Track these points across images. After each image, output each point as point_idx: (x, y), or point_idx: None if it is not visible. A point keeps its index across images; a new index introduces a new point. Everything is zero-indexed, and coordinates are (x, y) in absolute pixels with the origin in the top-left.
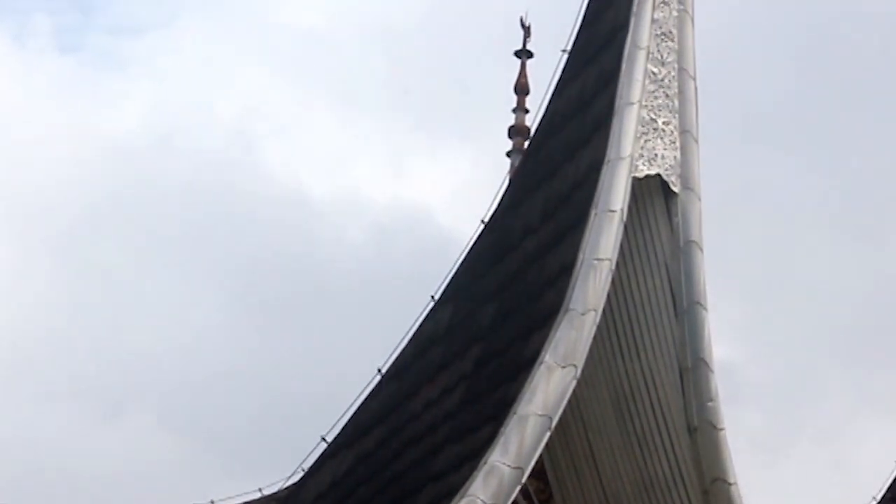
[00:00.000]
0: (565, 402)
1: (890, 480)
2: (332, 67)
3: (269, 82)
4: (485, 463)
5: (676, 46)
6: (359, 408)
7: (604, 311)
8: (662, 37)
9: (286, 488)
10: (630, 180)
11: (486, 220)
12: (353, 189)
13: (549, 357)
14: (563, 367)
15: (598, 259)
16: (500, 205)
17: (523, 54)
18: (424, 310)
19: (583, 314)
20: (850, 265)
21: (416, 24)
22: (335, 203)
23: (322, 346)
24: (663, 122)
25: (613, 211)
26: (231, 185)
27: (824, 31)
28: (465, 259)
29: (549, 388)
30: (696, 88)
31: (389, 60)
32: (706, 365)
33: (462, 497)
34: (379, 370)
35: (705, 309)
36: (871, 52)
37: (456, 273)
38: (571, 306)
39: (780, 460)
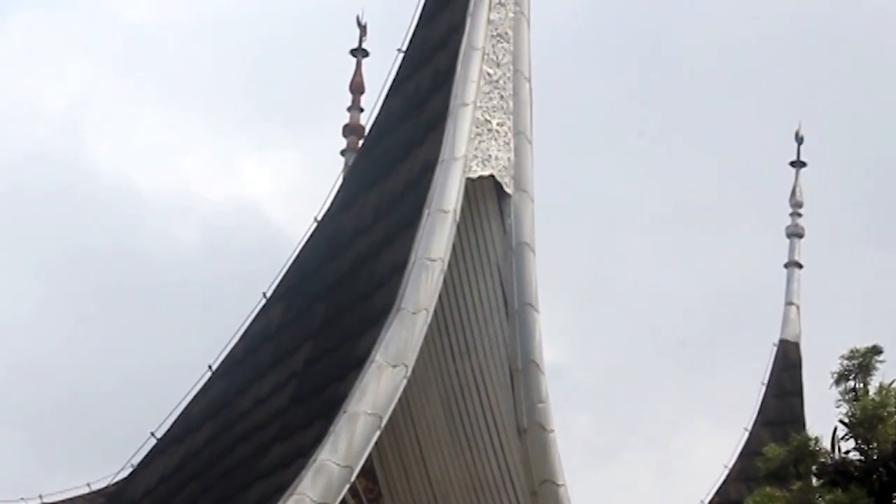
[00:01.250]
0: (395, 401)
1: (718, 485)
2: (162, 62)
3: (97, 76)
4: (314, 461)
5: (512, 48)
6: (189, 404)
7: (435, 311)
8: (498, 38)
9: (115, 484)
10: (463, 181)
11: (319, 218)
12: (182, 185)
13: (379, 356)
14: (394, 366)
15: (430, 259)
16: (333, 203)
17: (359, 53)
18: (256, 307)
19: (414, 314)
20: (679, 271)
21: (249, 20)
22: (164, 199)
23: (151, 343)
24: (497, 124)
25: (446, 211)
26: (56, 178)
27: (658, 37)
28: (297, 257)
29: (379, 388)
30: (530, 90)
31: (220, 56)
32: (537, 366)
33: (291, 495)
34: (210, 367)
35: (536, 310)
36: (704, 62)
37: (288, 271)
38: (403, 306)
39: (610, 463)
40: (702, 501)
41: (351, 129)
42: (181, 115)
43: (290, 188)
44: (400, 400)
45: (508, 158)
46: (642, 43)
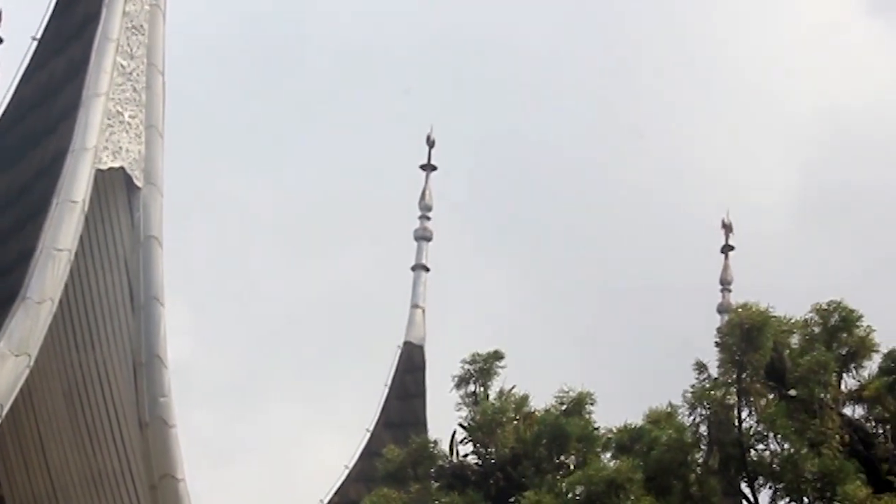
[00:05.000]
0: (17, 391)
1: (338, 485)
2: None
3: None
4: None
5: (147, 41)
6: None
7: (61, 301)
8: (133, 30)
9: None
10: (93, 172)
11: None
12: None
13: (2, 345)
14: (17, 355)
15: (57, 249)
16: None
17: None
18: None
19: (39, 303)
20: (306, 272)
21: None
22: None
23: None
24: (129, 116)
25: (75, 202)
26: None
27: (289, 39)
28: None
29: (0, 377)
30: (164, 84)
31: None
32: (160, 361)
33: None
34: None
35: (162, 305)
36: (336, 65)
37: None
38: (28, 295)
39: (232, 462)
40: (321, 501)
41: None
42: None
43: None
44: (22, 390)
45: (139, 151)
46: (274, 44)
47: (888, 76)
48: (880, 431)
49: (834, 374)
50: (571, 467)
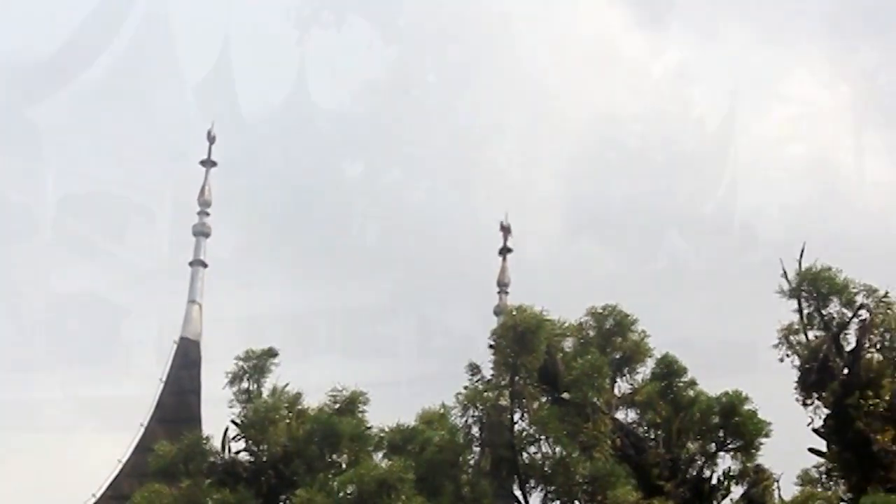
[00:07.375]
0: None
1: (111, 479)
2: None
3: None
4: None
5: None
6: None
7: None
8: None
9: None
10: None
11: None
12: None
13: None
14: None
15: None
16: None
17: None
18: None
19: None
20: (78, 269)
21: None
22: None
23: None
24: None
25: None
26: None
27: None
28: None
29: None
30: None
31: None
32: None
33: None
34: None
35: None
36: (113, 61)
37: None
38: None
39: (3, 457)
40: (94, 495)
41: None
42: None
43: None
44: None
45: None
46: (54, 39)
47: (655, 87)
48: (652, 436)
49: (607, 378)
50: (343, 466)
